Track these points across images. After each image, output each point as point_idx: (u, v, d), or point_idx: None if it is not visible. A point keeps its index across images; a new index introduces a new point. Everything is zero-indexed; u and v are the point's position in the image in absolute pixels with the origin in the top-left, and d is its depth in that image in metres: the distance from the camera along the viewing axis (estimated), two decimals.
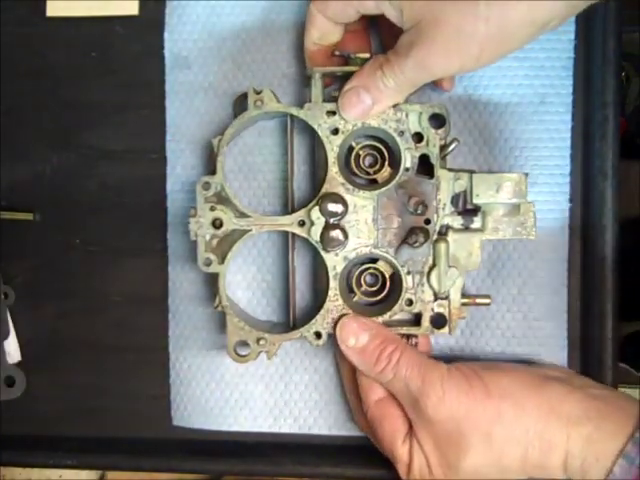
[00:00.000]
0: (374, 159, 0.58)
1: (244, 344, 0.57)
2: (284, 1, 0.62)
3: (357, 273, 0.58)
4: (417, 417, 0.53)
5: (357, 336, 0.55)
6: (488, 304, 0.58)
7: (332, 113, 0.56)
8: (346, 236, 0.56)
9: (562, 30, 0.59)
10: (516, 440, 0.51)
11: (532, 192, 0.57)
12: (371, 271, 0.58)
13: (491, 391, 0.52)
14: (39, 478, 0.80)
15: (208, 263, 0.57)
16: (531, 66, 0.60)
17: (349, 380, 0.59)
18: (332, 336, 0.56)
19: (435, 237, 0.56)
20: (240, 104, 0.58)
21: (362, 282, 0.58)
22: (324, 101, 0.56)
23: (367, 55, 0.56)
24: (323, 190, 0.56)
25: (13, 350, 0.65)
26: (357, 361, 0.55)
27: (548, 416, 0.51)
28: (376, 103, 0.54)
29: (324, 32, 0.56)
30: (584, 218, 0.61)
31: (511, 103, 0.60)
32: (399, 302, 0.56)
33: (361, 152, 0.57)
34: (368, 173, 0.57)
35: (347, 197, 0.56)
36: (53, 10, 0.63)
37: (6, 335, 0.65)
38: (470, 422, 0.52)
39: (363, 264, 0.58)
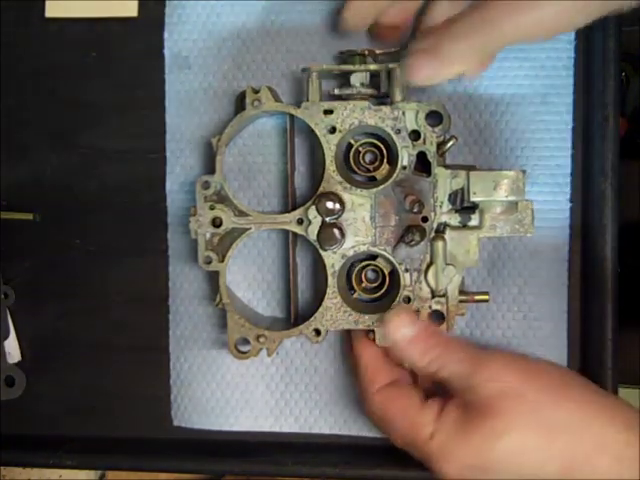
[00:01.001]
0: (374, 156, 0.58)
1: (245, 341, 0.58)
2: (284, 1, 0.62)
3: (357, 269, 0.58)
4: (467, 392, 0.52)
5: (407, 326, 0.54)
6: (486, 301, 0.58)
7: (329, 112, 0.56)
8: (343, 234, 0.56)
9: None
10: (566, 433, 0.50)
11: (532, 192, 0.58)
12: (372, 267, 0.58)
13: (553, 382, 0.52)
14: (39, 478, 0.80)
15: (208, 261, 0.57)
16: (531, 66, 0.60)
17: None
18: (345, 334, 0.56)
19: (432, 235, 0.56)
20: (241, 102, 0.58)
21: (363, 278, 0.58)
22: (321, 100, 0.56)
23: (365, 51, 0.57)
24: (320, 189, 0.56)
25: (13, 350, 0.65)
26: (405, 350, 0.54)
27: (611, 421, 0.50)
28: (443, 67, 0.50)
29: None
30: (584, 218, 0.60)
31: (512, 103, 0.60)
32: (397, 299, 0.56)
33: (361, 149, 0.58)
34: (368, 170, 0.58)
35: (344, 195, 0.56)
36: (52, 11, 0.63)
37: (6, 335, 0.65)
38: (524, 404, 0.51)
39: (363, 261, 0.58)
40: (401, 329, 0.54)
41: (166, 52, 0.63)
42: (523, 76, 0.60)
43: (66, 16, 0.63)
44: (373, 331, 0.57)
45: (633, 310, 0.61)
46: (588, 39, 0.60)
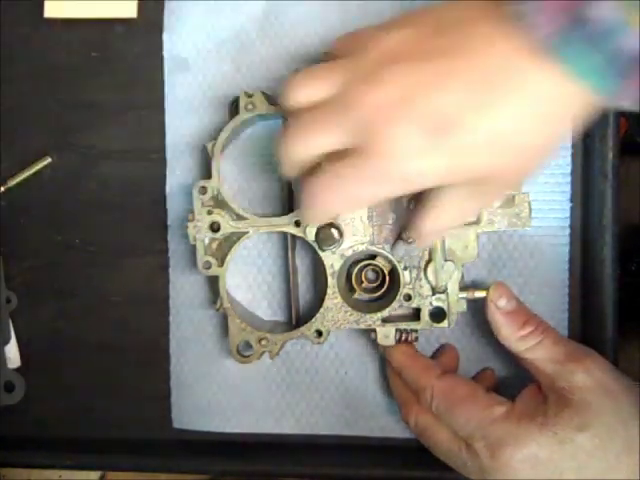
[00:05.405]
0: None
1: (247, 345, 0.58)
2: (283, 2, 0.62)
3: (357, 270, 0.58)
4: (556, 377, 0.52)
5: (509, 299, 0.55)
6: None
7: None
8: (341, 234, 0.56)
9: None
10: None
11: (533, 192, 0.57)
12: (371, 267, 0.58)
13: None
14: (39, 478, 0.80)
15: (207, 266, 0.57)
16: None
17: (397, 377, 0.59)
18: (371, 335, 0.57)
19: None
20: (236, 107, 0.58)
21: (363, 279, 0.58)
22: None
23: None
24: None
25: (13, 355, 0.65)
26: (502, 322, 0.54)
27: None
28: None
29: None
30: (584, 218, 0.60)
31: None
32: (398, 297, 0.56)
33: None
34: None
35: None
36: (51, 11, 0.63)
37: (7, 340, 0.65)
38: (612, 404, 0.51)
39: (362, 261, 0.58)
40: (502, 299, 0.55)
41: (165, 54, 0.63)
42: None
43: (65, 17, 0.63)
44: (374, 330, 0.57)
45: (633, 310, 0.61)
46: None
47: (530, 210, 0.55)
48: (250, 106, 0.57)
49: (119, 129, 0.64)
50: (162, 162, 0.63)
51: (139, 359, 0.65)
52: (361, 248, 0.56)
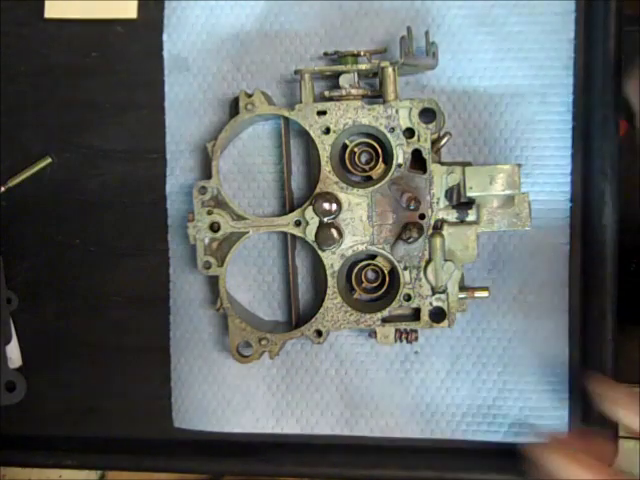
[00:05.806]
0: (370, 156, 0.58)
1: (247, 345, 0.58)
2: (283, 2, 0.62)
3: (357, 270, 0.58)
4: None
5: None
6: (487, 297, 0.58)
7: (323, 113, 0.56)
8: (341, 234, 0.56)
9: (562, 30, 0.59)
10: None
11: (533, 192, 0.58)
12: (371, 267, 0.58)
13: None
14: (39, 478, 0.80)
15: (207, 266, 0.57)
16: (531, 66, 0.60)
17: None
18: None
19: (430, 231, 0.56)
20: (236, 107, 0.58)
21: (363, 279, 0.59)
22: (314, 101, 0.57)
23: (354, 51, 0.57)
24: (317, 189, 0.56)
25: (15, 355, 0.65)
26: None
27: None
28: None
29: None
30: (584, 218, 0.60)
31: (511, 103, 0.60)
32: (397, 297, 0.57)
33: (356, 149, 0.58)
34: (364, 170, 0.58)
35: (341, 195, 0.56)
36: (51, 11, 0.63)
37: (8, 340, 0.65)
38: None
39: (362, 261, 0.58)
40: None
41: (165, 54, 0.63)
42: (522, 76, 0.60)
43: (65, 17, 0.63)
44: (375, 330, 0.57)
45: (633, 310, 0.61)
46: (588, 39, 0.60)
47: (530, 210, 0.55)
48: (250, 106, 0.57)
49: (119, 129, 0.64)
50: (162, 162, 0.63)
51: (139, 359, 0.65)
52: (361, 248, 0.57)
